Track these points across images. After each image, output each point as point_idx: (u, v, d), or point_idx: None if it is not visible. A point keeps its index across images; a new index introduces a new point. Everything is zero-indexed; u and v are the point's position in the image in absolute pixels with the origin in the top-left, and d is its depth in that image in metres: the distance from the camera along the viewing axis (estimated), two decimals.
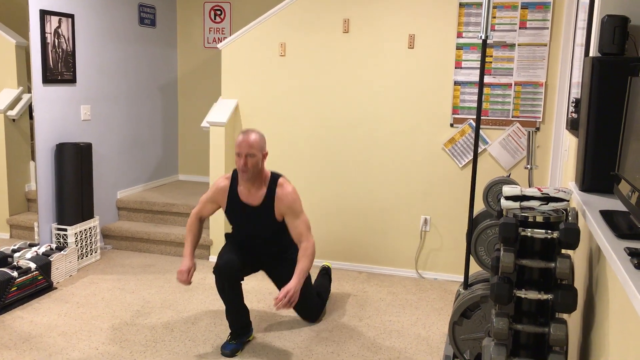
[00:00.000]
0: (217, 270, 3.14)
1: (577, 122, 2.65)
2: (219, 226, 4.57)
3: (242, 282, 3.21)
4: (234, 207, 3.25)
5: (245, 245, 3.32)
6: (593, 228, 1.81)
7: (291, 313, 3.66)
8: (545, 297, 1.95)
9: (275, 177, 3.22)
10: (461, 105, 4.15)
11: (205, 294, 3.94)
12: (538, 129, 4.04)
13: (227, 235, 3.43)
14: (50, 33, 4.19)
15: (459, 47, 4.11)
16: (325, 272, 3.94)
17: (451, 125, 4.19)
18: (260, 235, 3.30)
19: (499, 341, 2.00)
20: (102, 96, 4.84)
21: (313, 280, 3.70)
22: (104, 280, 4.17)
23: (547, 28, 3.93)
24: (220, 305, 3.75)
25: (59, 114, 4.35)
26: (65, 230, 4.29)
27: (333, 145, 4.43)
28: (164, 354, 3.11)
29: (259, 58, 4.49)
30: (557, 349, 1.97)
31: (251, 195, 3.20)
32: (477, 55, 4.07)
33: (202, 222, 3.38)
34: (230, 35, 5.34)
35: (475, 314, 2.72)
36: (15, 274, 3.68)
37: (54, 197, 4.34)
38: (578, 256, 2.48)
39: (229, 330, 3.25)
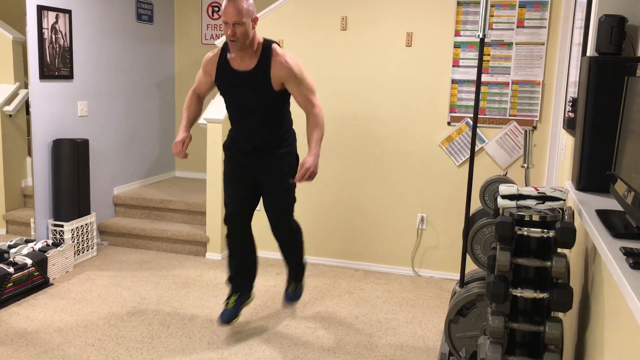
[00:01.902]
0: (229, 220, 3.22)
1: (574, 122, 2.66)
2: (216, 224, 4.56)
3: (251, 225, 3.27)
4: (225, 74, 3.02)
5: (240, 139, 3.11)
6: (589, 227, 1.81)
7: (287, 311, 3.66)
8: (541, 295, 1.95)
9: (268, 42, 2.98)
10: (458, 104, 4.16)
11: (201, 291, 3.94)
12: (535, 127, 4.05)
13: (224, 146, 3.23)
14: (48, 28, 4.17)
15: (457, 45, 4.11)
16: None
17: (448, 123, 4.19)
18: (254, 110, 3.03)
19: (495, 339, 2.01)
20: (99, 92, 4.83)
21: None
22: (100, 276, 4.17)
23: (545, 27, 3.93)
24: (216, 302, 3.76)
25: (55, 109, 4.34)
26: (62, 226, 4.28)
27: (330, 143, 4.43)
28: (160, 350, 3.11)
29: None
30: (552, 348, 1.98)
31: (243, 63, 2.96)
32: (474, 54, 4.08)
33: (200, 99, 3.23)
34: None
35: (471, 312, 2.73)
36: (11, 270, 3.68)
37: (51, 193, 4.33)
38: (574, 255, 2.49)
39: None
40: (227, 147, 3.24)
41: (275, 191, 3.20)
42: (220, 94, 3.12)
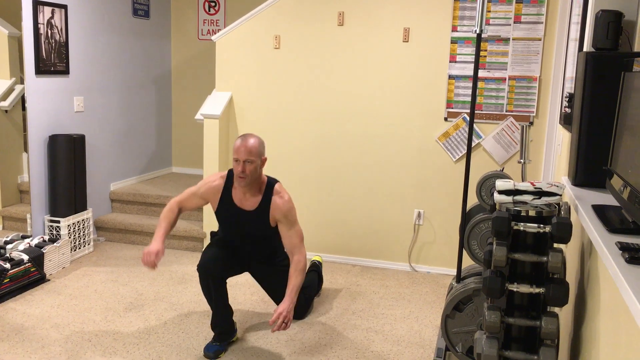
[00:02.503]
0: (202, 267, 3.06)
1: (571, 117, 2.66)
2: (212, 220, 4.56)
3: (226, 281, 3.13)
4: (226, 209, 3.14)
5: (233, 246, 3.23)
6: (585, 222, 1.82)
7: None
8: (537, 290, 1.96)
9: (271, 182, 3.13)
10: (455, 99, 4.16)
11: (198, 287, 3.94)
12: (531, 123, 4.05)
13: (212, 234, 3.34)
14: (43, 24, 4.16)
15: (454, 40, 4.11)
16: (315, 269, 3.87)
17: (445, 119, 4.20)
18: (250, 239, 3.22)
19: (491, 334, 2.02)
20: (96, 88, 4.81)
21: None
22: (97, 272, 4.17)
23: (542, 22, 3.93)
24: None
25: (51, 105, 4.33)
26: (58, 222, 4.27)
27: (327, 138, 4.43)
28: (156, 345, 3.11)
29: (254, 50, 4.48)
30: (548, 342, 1.99)
31: (246, 200, 3.10)
32: (471, 49, 4.07)
33: (180, 212, 3.22)
34: (224, 27, 5.32)
35: (467, 307, 2.74)
36: (7, 265, 3.67)
37: (47, 188, 4.32)
38: (570, 250, 2.50)
39: (212, 333, 3.17)
40: (215, 236, 3.34)
41: (275, 280, 3.31)
42: (218, 221, 3.23)
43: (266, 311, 3.60)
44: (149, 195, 4.98)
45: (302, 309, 3.49)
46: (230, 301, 3.75)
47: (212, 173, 4.50)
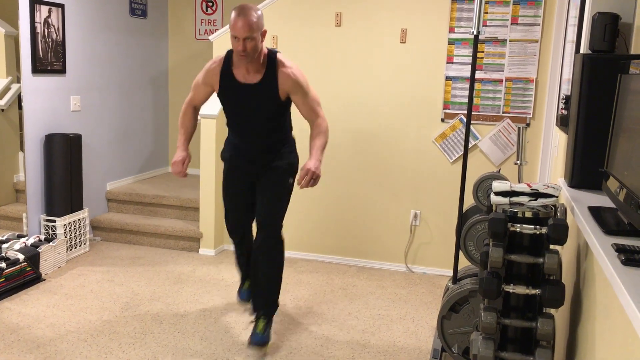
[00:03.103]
0: (233, 234, 3.28)
1: (567, 119, 2.66)
2: (209, 220, 4.56)
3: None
4: (229, 87, 2.96)
5: (241, 146, 3.08)
6: (581, 224, 1.82)
7: (281, 307, 3.66)
8: (533, 292, 1.96)
9: (273, 53, 2.94)
10: (452, 101, 4.16)
11: (194, 287, 3.93)
12: (528, 125, 4.06)
13: (223, 158, 3.20)
14: (40, 22, 4.15)
15: (451, 42, 4.11)
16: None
17: (442, 120, 4.20)
18: (258, 121, 3.00)
19: (487, 335, 2.02)
20: (92, 87, 4.80)
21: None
22: (92, 272, 4.16)
23: (539, 24, 3.94)
24: (209, 298, 3.75)
25: (48, 104, 4.32)
26: (54, 221, 4.26)
27: None
28: (152, 345, 3.11)
29: None
30: (544, 344, 1.99)
31: (249, 76, 2.92)
32: (468, 51, 4.08)
33: (196, 111, 3.16)
34: (221, 27, 5.32)
35: (463, 308, 2.74)
36: (3, 265, 3.66)
37: (43, 188, 4.31)
38: (566, 252, 2.50)
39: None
40: (226, 158, 3.21)
41: (271, 186, 3.09)
42: (222, 103, 3.07)
43: None
44: (146, 195, 4.97)
45: (278, 219, 3.11)
46: (234, 309, 3.75)
47: (214, 172, 4.49)
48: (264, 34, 2.85)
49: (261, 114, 2.99)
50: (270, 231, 3.07)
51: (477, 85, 4.09)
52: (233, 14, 2.76)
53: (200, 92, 3.11)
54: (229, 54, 2.98)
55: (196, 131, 4.55)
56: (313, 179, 2.82)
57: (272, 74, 2.91)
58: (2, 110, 4.31)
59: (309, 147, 2.96)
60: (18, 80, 4.19)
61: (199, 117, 4.44)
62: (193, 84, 3.14)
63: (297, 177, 2.84)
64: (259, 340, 3.03)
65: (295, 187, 3.13)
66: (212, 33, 5.48)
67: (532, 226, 1.97)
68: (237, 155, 3.13)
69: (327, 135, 2.98)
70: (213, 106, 4.46)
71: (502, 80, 4.06)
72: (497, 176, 2.93)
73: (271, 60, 2.92)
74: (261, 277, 3.13)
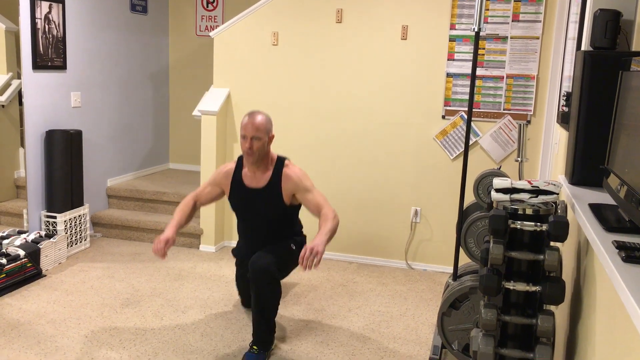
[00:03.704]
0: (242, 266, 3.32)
1: (568, 116, 2.66)
2: (209, 216, 4.56)
3: None
4: (238, 191, 3.14)
5: (250, 249, 3.12)
6: (582, 221, 1.82)
7: (281, 304, 3.66)
8: (533, 289, 1.96)
9: (281, 159, 3.12)
10: (453, 97, 4.16)
11: (195, 283, 3.94)
12: (529, 122, 4.05)
13: (235, 255, 3.41)
14: (41, 18, 4.14)
15: (452, 39, 4.11)
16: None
17: (443, 117, 4.20)
18: (264, 224, 3.13)
19: (487, 332, 2.02)
20: (93, 83, 4.80)
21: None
22: (93, 268, 4.16)
23: (540, 21, 3.94)
24: (210, 294, 3.76)
25: (49, 100, 4.32)
26: (55, 217, 4.26)
27: (324, 135, 4.43)
28: (153, 342, 3.11)
29: (252, 47, 4.47)
30: (544, 340, 1.99)
31: (256, 179, 3.09)
32: (469, 48, 4.08)
33: (195, 206, 3.22)
34: (222, 24, 5.31)
35: (463, 305, 2.74)
36: (4, 261, 3.67)
37: (44, 184, 4.31)
38: (567, 249, 2.50)
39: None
40: (237, 255, 3.37)
41: (272, 245, 3.08)
42: (232, 207, 3.23)
43: None
44: (146, 192, 4.98)
45: (275, 268, 2.97)
46: (234, 305, 3.76)
47: (214, 169, 4.50)
48: (271, 138, 3.05)
49: (267, 218, 3.14)
50: (263, 265, 2.90)
51: (478, 82, 4.09)
52: (244, 117, 3.00)
53: (206, 191, 3.25)
54: (241, 157, 3.14)
55: (196, 127, 4.56)
56: (313, 255, 2.64)
57: (277, 178, 3.07)
58: (3, 106, 4.31)
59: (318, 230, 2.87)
60: (19, 76, 4.19)
61: (199, 114, 4.47)
62: (202, 184, 3.32)
63: (299, 257, 2.67)
64: (250, 358, 2.94)
65: None
66: (213, 29, 5.47)
67: (533, 223, 1.97)
68: (246, 257, 3.13)
69: (336, 223, 2.89)
70: (214, 102, 4.46)
71: (503, 77, 4.05)
72: (498, 173, 2.93)
73: (278, 165, 3.09)
74: (254, 312, 2.99)
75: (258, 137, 2.95)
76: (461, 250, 2.91)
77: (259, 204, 3.11)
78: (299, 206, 3.20)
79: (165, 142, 6.01)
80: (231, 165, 3.19)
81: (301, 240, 3.27)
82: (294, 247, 3.14)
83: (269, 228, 3.16)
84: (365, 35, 4.25)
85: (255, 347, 2.97)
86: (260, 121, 2.97)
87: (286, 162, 3.12)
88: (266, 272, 2.89)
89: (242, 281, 3.43)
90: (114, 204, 5.08)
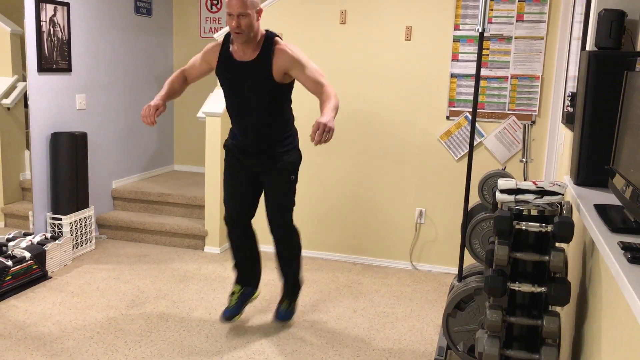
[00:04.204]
0: (228, 219, 3.26)
1: (573, 116, 2.66)
2: (214, 217, 4.57)
3: (253, 230, 3.31)
4: (226, 65, 2.99)
5: (240, 136, 3.07)
6: (587, 222, 1.81)
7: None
8: (538, 290, 1.96)
9: (271, 34, 2.96)
10: (457, 98, 4.15)
11: (200, 284, 3.94)
12: (534, 122, 4.05)
13: (225, 146, 3.22)
14: (46, 21, 4.16)
15: (456, 39, 4.10)
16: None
17: (447, 117, 4.19)
18: (255, 105, 2.99)
19: (493, 333, 2.02)
20: (98, 85, 4.82)
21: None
22: (98, 269, 4.17)
23: (544, 21, 3.93)
24: (214, 295, 3.76)
25: (54, 102, 4.33)
26: (60, 219, 4.28)
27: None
28: (158, 343, 3.12)
29: None
30: (549, 342, 1.99)
31: (245, 54, 2.93)
32: (474, 48, 4.07)
33: (186, 81, 3.15)
34: (226, 26, 5.31)
35: (469, 306, 2.74)
36: (9, 263, 3.68)
37: (49, 186, 4.33)
38: (572, 250, 2.50)
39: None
40: (227, 146, 3.22)
41: (276, 187, 3.18)
42: (221, 85, 3.09)
43: (266, 307, 3.60)
44: (151, 193, 4.99)
45: (289, 221, 3.26)
46: None
47: (219, 170, 4.50)
48: (259, 12, 2.86)
49: (256, 95, 2.98)
50: (280, 223, 3.24)
51: (482, 83, 4.08)
52: None
53: (195, 67, 3.14)
54: (229, 34, 3.01)
55: (201, 128, 4.56)
56: (326, 131, 2.62)
57: (268, 52, 2.91)
58: (8, 108, 4.33)
59: (320, 109, 2.84)
60: (24, 79, 4.20)
61: (203, 116, 4.48)
62: (191, 60, 3.18)
63: (311, 132, 2.62)
64: (282, 317, 3.38)
65: (300, 189, 3.16)
66: (217, 31, 5.48)
67: (538, 224, 1.97)
68: (237, 145, 3.15)
69: (337, 100, 2.84)
70: (217, 104, 4.47)
71: (508, 78, 4.05)
72: (503, 174, 2.92)
73: (268, 40, 2.94)
74: (282, 264, 3.36)
75: (245, 13, 2.76)
76: (466, 251, 2.90)
77: (248, 78, 2.95)
78: (289, 90, 3.07)
79: (169, 144, 6.02)
80: (219, 41, 3.05)
81: (294, 148, 3.18)
82: (293, 178, 3.18)
83: (260, 110, 3.00)
84: (369, 36, 4.25)
85: (285, 302, 3.38)
86: None
87: (276, 38, 2.95)
88: (286, 228, 3.25)
89: (239, 253, 3.33)
90: (119, 205, 5.10)
